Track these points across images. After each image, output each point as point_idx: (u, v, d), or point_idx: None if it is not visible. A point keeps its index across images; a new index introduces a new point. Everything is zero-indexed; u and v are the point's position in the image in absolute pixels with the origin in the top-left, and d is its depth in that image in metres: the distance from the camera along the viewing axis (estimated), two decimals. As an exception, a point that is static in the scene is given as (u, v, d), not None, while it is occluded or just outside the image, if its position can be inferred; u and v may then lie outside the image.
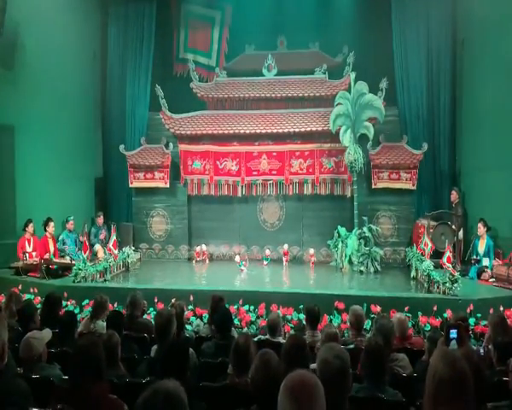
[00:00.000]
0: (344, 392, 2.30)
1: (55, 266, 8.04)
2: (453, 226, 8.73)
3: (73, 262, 8.07)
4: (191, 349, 3.58)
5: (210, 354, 3.93)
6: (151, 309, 6.75)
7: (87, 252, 7.95)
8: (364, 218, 9.28)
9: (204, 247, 10.12)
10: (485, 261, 8.10)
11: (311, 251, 9.78)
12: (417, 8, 10.41)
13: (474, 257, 8.29)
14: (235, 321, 6.57)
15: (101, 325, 4.82)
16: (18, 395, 2.64)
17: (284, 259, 9.80)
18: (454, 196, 9.45)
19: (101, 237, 10.00)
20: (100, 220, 10.21)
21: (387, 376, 3.19)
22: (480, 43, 9.20)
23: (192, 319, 6.62)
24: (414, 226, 9.59)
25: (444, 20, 10.31)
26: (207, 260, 10.06)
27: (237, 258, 9.56)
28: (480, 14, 8.99)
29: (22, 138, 8.71)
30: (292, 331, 6.04)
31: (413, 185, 9.55)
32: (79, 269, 7.55)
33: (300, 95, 10.28)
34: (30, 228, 8.45)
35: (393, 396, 3.01)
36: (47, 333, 3.51)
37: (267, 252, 9.96)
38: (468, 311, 6.32)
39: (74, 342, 3.44)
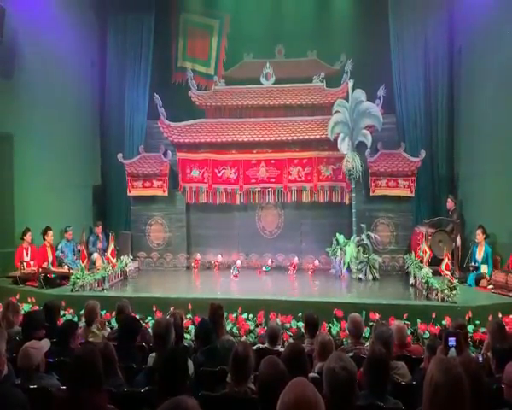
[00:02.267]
0: (348, 404, 2.29)
1: (53, 275, 7.99)
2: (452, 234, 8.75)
3: (71, 271, 8.03)
4: (189, 359, 3.57)
5: (201, 362, 3.91)
6: (149, 318, 6.72)
7: (85, 261, 7.91)
8: (363, 225, 9.27)
9: (220, 256, 10.08)
10: (484, 268, 8.08)
11: (310, 258, 9.76)
12: (415, 17, 10.50)
13: (473, 264, 8.29)
14: (234, 330, 6.55)
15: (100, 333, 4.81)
16: (15, 404, 2.62)
17: (291, 270, 9.56)
18: (450, 203, 9.45)
19: (99, 245, 9.98)
20: (98, 229, 10.21)
21: (389, 385, 3.17)
22: (477, 51, 9.27)
23: (191, 327, 6.58)
24: (412, 233, 9.60)
25: (441, 28, 10.41)
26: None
27: (238, 262, 9.53)
28: (477, 22, 9.05)
29: (21, 147, 8.72)
30: (291, 340, 6.02)
31: (411, 192, 9.57)
32: (77, 278, 7.51)
33: (298, 103, 10.32)
34: (28, 237, 8.42)
35: (393, 405, 2.99)
36: (45, 343, 3.50)
37: (269, 262, 9.88)
38: (467, 318, 6.29)
39: (73, 352, 3.43)
